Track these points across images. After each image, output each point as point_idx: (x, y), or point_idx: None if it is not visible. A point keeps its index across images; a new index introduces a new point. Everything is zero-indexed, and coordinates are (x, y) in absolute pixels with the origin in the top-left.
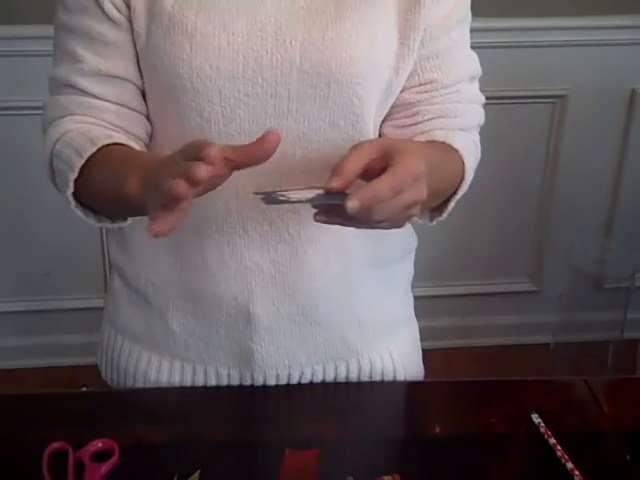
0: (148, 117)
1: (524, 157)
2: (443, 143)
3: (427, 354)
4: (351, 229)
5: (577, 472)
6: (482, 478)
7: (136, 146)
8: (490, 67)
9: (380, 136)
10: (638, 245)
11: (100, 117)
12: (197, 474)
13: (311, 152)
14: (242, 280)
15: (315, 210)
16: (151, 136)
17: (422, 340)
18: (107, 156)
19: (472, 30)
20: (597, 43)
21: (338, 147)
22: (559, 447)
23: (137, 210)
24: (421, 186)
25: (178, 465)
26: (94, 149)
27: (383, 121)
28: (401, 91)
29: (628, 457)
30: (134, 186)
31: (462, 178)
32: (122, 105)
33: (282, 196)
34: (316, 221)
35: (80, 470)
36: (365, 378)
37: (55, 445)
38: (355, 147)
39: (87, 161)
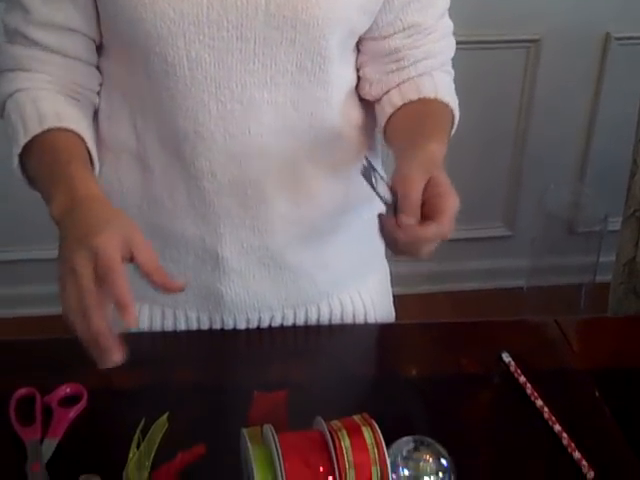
0: (98, 68)
1: (498, 103)
2: (435, 100)
3: (404, 299)
4: (320, 172)
5: (546, 409)
6: (453, 417)
7: (85, 131)
8: (463, 12)
9: (362, 80)
10: (610, 189)
11: (55, 74)
12: (165, 417)
13: (278, 95)
14: (210, 222)
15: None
16: (113, 86)
17: (399, 286)
18: (48, 147)
19: None
20: None
21: (305, 89)
22: (528, 385)
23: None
24: (452, 225)
25: (146, 409)
26: (39, 130)
27: (369, 69)
28: (385, 37)
29: (597, 394)
30: (57, 210)
31: (452, 124)
32: (75, 58)
33: (376, 179)
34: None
35: (48, 415)
36: (336, 321)
37: (23, 390)
38: (407, 182)
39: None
